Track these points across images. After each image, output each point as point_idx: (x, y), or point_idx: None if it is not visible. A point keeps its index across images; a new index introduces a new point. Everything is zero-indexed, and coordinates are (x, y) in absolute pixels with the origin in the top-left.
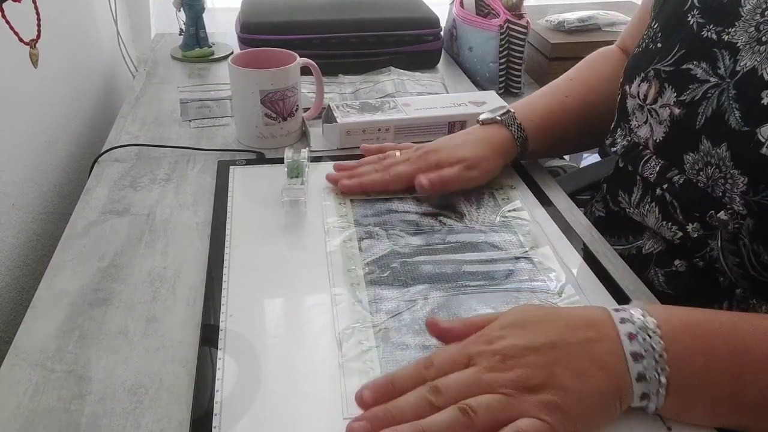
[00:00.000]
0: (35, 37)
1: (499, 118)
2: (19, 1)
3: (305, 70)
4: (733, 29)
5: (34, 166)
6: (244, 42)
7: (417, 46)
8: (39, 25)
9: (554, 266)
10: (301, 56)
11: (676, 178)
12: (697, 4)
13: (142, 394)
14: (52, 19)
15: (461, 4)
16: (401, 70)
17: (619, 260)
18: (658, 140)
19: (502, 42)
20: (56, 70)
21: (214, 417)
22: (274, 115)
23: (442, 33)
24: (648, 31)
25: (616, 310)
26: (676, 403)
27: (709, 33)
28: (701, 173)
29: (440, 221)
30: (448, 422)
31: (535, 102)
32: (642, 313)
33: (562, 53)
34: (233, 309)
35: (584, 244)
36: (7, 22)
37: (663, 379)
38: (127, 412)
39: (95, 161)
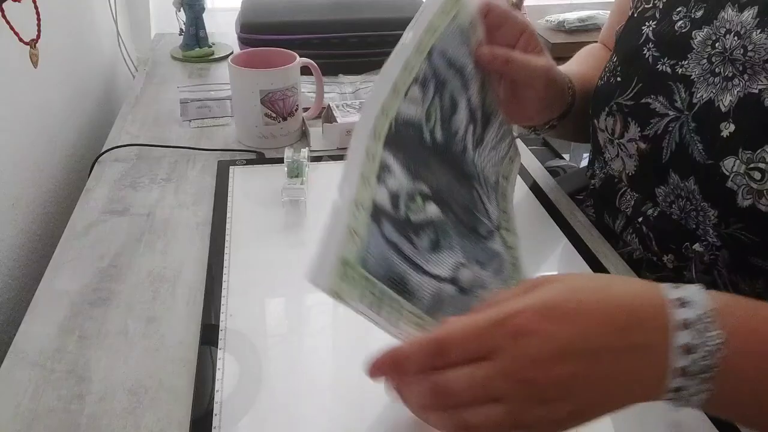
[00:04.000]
0: (35, 37)
1: None
2: (20, 1)
3: (305, 70)
4: (686, 62)
5: (34, 166)
6: (244, 42)
7: None
8: (39, 25)
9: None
10: (301, 56)
11: (650, 211)
12: (651, 38)
13: (142, 394)
14: (52, 20)
15: None
16: None
17: (620, 260)
18: (630, 173)
19: None
20: (56, 70)
21: (214, 417)
22: (274, 115)
23: None
24: (609, 65)
25: (679, 304)
26: (709, 408)
27: (664, 66)
28: (674, 205)
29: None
30: None
31: (568, 66)
32: (706, 318)
33: (562, 53)
34: (233, 309)
35: (585, 244)
36: (7, 22)
37: (702, 396)
38: (127, 412)
39: (95, 161)
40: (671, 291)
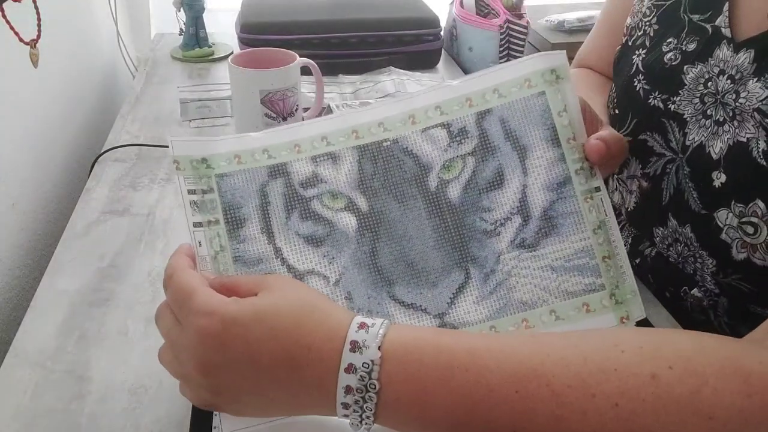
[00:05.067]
0: (35, 37)
1: None
2: (20, 1)
3: (305, 70)
4: (678, 98)
5: (34, 166)
6: (244, 42)
7: (417, 46)
8: (39, 25)
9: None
10: (301, 56)
11: (647, 251)
12: (641, 69)
13: (142, 394)
14: (52, 19)
15: (461, 4)
16: (401, 70)
17: None
18: (629, 209)
19: (502, 42)
20: (56, 70)
21: (214, 417)
22: (274, 115)
23: (442, 33)
24: (611, 94)
25: (351, 348)
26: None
27: (656, 101)
28: (671, 249)
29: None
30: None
31: None
32: (368, 367)
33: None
34: None
35: None
36: (7, 22)
37: (369, 426)
38: (127, 412)
39: (95, 161)
40: (353, 333)
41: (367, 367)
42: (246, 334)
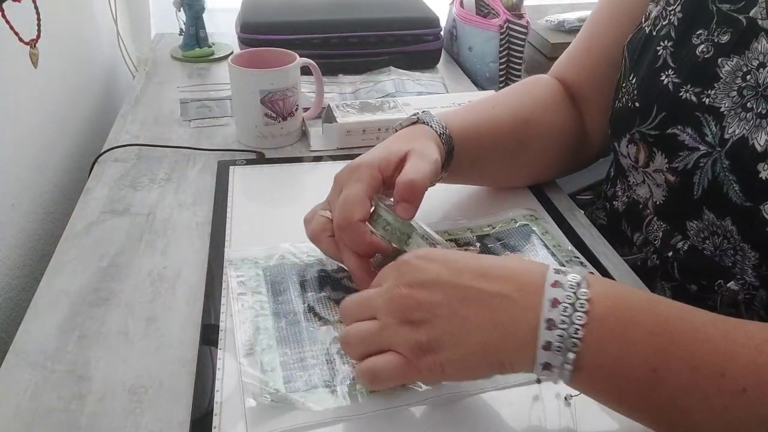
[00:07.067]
0: (35, 37)
1: (416, 118)
2: (19, 1)
3: (305, 70)
4: (713, 91)
5: (34, 166)
6: (244, 42)
7: (417, 46)
8: (39, 25)
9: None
10: (301, 56)
11: (680, 245)
12: (671, 64)
13: (142, 394)
14: (52, 19)
15: (461, 4)
16: (401, 70)
17: (621, 261)
18: (658, 202)
19: (502, 42)
20: (56, 70)
21: (214, 417)
22: (274, 115)
23: (442, 33)
24: (627, 86)
25: (556, 272)
26: (583, 383)
27: (688, 94)
28: (707, 242)
29: None
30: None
31: (455, 111)
32: (578, 279)
33: (562, 53)
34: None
35: (586, 245)
36: (7, 22)
37: (571, 356)
38: (127, 412)
39: (95, 161)
40: (552, 270)
41: (574, 282)
42: (452, 260)
